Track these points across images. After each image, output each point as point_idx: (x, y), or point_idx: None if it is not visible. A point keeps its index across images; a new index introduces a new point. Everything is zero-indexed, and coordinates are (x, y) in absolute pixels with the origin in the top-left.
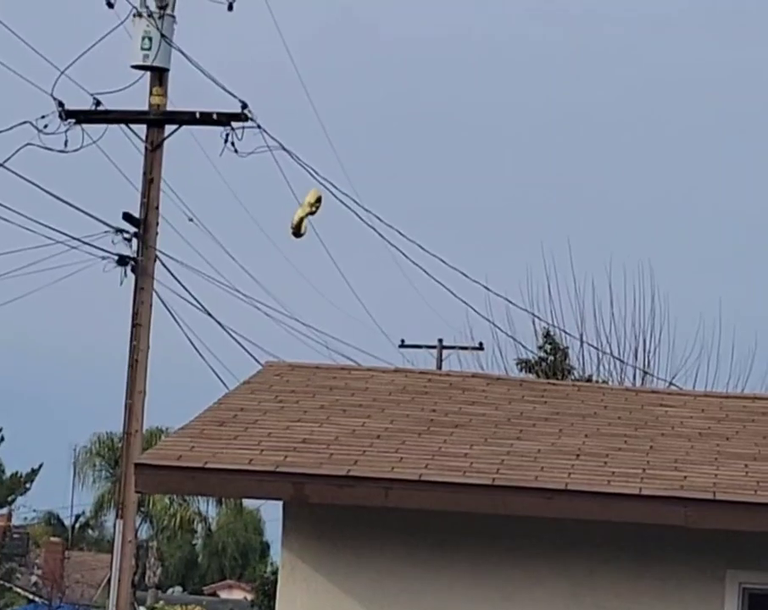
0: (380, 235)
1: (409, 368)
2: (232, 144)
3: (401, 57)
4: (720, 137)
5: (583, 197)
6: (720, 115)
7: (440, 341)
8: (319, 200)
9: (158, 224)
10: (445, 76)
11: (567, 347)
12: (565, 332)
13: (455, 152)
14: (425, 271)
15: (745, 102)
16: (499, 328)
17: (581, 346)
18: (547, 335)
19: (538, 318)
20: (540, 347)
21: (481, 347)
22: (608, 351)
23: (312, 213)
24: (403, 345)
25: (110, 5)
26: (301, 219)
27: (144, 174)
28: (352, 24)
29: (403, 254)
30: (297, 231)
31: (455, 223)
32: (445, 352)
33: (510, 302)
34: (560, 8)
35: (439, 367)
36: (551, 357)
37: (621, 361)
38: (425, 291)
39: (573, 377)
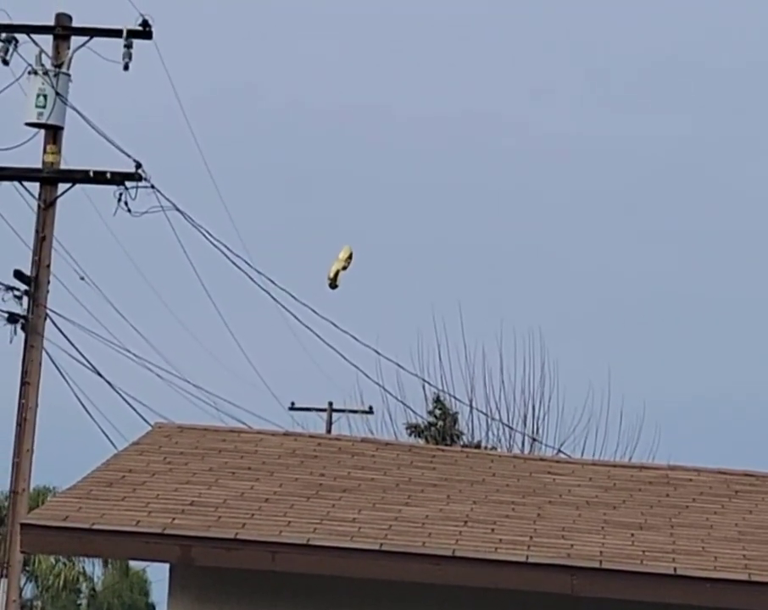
0: (272, 297)
1: (299, 431)
2: (126, 203)
3: (296, 121)
4: (609, 206)
5: (474, 262)
6: (609, 181)
7: (330, 404)
8: (350, 256)
9: (49, 282)
10: (338, 141)
11: (457, 413)
12: (455, 398)
13: (347, 215)
14: (317, 334)
15: (632, 170)
16: (389, 392)
17: (471, 411)
18: (437, 400)
19: (428, 383)
20: (430, 412)
21: (370, 411)
22: (497, 417)
23: (344, 268)
24: (293, 407)
25: (5, 62)
26: (336, 273)
27: (36, 231)
28: (249, 87)
29: (295, 317)
30: (333, 283)
31: (347, 286)
32: (335, 415)
33: (401, 366)
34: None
35: (329, 430)
36: (440, 423)
37: (510, 427)
38: (316, 354)
39: (462, 442)
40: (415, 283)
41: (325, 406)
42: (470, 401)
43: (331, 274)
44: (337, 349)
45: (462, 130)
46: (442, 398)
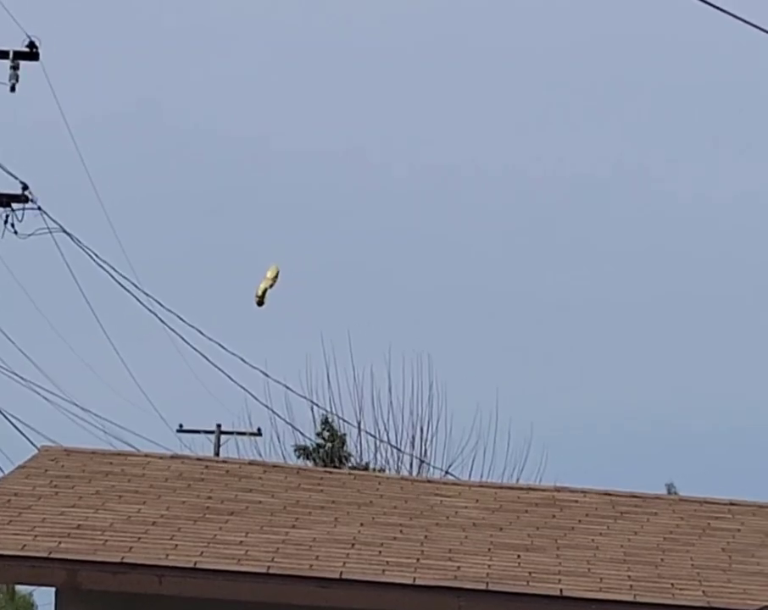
0: (160, 319)
1: (186, 454)
2: (12, 225)
3: (192, 146)
4: (495, 227)
5: (363, 286)
6: (494, 205)
7: (218, 426)
8: (277, 275)
9: None
10: (232, 164)
11: (345, 435)
12: (343, 419)
13: (235, 239)
14: (205, 356)
15: (498, 193)
16: (278, 414)
17: (359, 433)
18: (325, 422)
19: (317, 405)
20: (318, 434)
21: (259, 433)
22: (385, 439)
23: (271, 286)
24: (181, 430)
25: None
26: (264, 291)
27: None
28: (144, 112)
29: (183, 339)
30: (261, 301)
31: (235, 308)
32: (223, 437)
33: (289, 388)
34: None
35: (217, 452)
36: (329, 444)
37: (398, 449)
38: (204, 376)
39: (350, 464)
40: (304, 306)
41: (214, 428)
42: (359, 423)
43: (259, 292)
44: (225, 371)
45: (355, 161)
46: (330, 420)
